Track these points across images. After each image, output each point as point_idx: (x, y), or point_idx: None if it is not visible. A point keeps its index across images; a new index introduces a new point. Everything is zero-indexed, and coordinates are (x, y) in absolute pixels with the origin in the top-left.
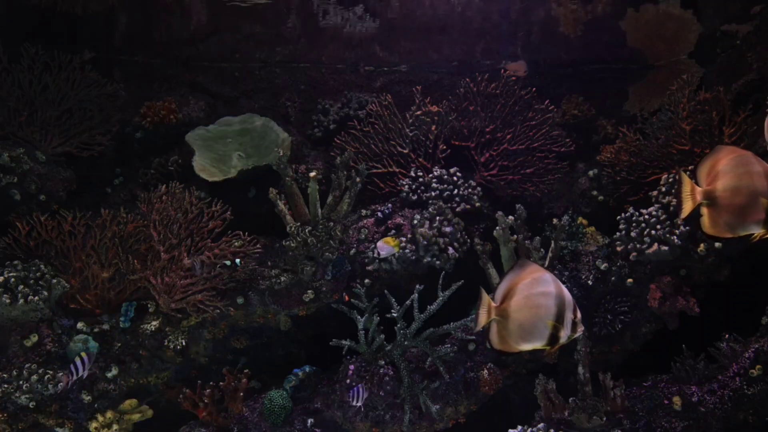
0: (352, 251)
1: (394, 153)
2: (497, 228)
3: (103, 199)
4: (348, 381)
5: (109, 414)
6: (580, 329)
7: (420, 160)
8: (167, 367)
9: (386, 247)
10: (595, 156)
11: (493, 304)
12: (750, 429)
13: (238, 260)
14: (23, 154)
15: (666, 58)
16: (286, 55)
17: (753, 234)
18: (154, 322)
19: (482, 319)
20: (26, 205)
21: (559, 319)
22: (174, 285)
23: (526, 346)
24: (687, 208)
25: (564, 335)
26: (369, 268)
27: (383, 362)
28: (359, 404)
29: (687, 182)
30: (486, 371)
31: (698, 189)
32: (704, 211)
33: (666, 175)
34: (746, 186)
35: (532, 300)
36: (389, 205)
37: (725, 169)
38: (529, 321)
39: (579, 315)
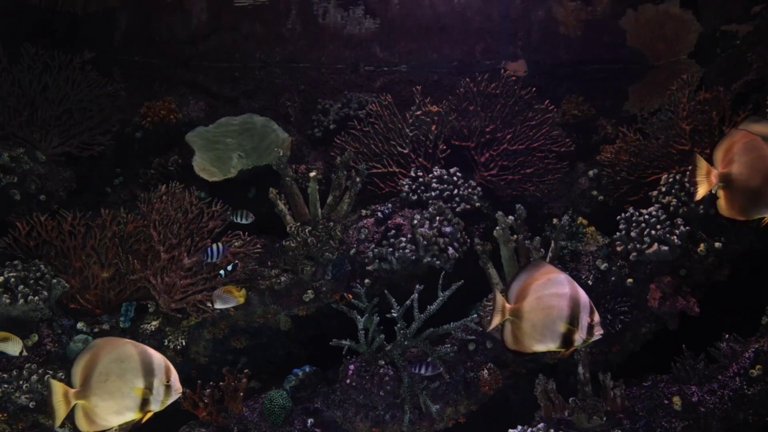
0: (352, 251)
1: (394, 153)
2: (497, 228)
3: (103, 199)
4: (348, 381)
5: None
6: (598, 333)
7: (420, 160)
8: None
9: (227, 297)
10: (595, 156)
11: (507, 305)
12: (750, 429)
13: (230, 267)
14: (23, 154)
15: (666, 58)
16: (286, 55)
17: (765, 217)
18: (154, 322)
19: (496, 319)
20: (26, 205)
21: (573, 321)
22: (174, 285)
23: (540, 348)
24: (702, 190)
25: (579, 338)
26: (369, 268)
27: (383, 362)
28: (429, 373)
29: (703, 165)
30: (486, 371)
31: (714, 172)
32: (721, 193)
33: (666, 175)
34: (760, 170)
35: (544, 301)
36: (389, 205)
37: (740, 153)
38: (541, 322)
39: (597, 318)
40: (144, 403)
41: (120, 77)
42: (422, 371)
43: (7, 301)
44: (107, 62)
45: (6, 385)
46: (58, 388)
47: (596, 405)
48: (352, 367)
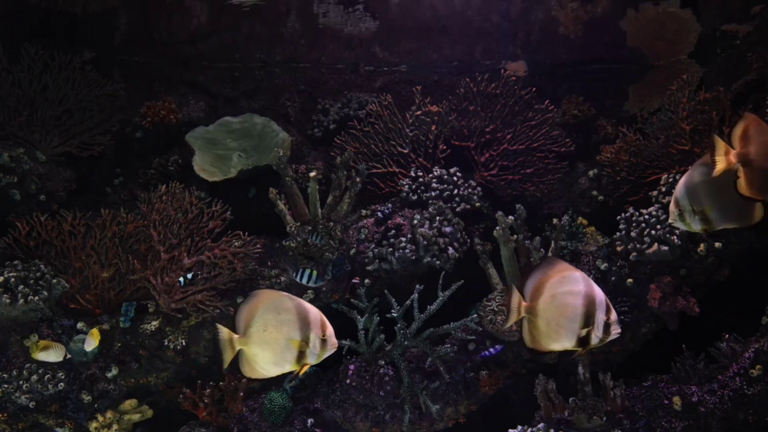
0: (352, 251)
1: (394, 153)
2: (497, 228)
3: (103, 199)
4: (348, 381)
5: (109, 414)
6: (615, 331)
7: (420, 160)
8: (167, 367)
9: (90, 340)
10: (595, 156)
11: (523, 303)
12: (750, 429)
13: (189, 275)
14: (23, 154)
15: (666, 58)
16: (286, 55)
17: None
18: (154, 322)
19: (512, 317)
20: (26, 205)
21: (589, 319)
22: (174, 285)
23: (557, 346)
24: (721, 166)
25: (595, 337)
26: (369, 268)
27: (383, 362)
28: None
29: (722, 145)
30: (486, 371)
31: (733, 152)
32: (740, 173)
33: (666, 175)
34: None
35: (558, 299)
36: (389, 205)
37: (755, 134)
38: (556, 321)
39: (614, 316)
40: (300, 356)
41: (120, 77)
42: (492, 352)
43: (7, 301)
44: (107, 62)
45: (6, 385)
46: (224, 332)
47: (596, 405)
48: (352, 367)
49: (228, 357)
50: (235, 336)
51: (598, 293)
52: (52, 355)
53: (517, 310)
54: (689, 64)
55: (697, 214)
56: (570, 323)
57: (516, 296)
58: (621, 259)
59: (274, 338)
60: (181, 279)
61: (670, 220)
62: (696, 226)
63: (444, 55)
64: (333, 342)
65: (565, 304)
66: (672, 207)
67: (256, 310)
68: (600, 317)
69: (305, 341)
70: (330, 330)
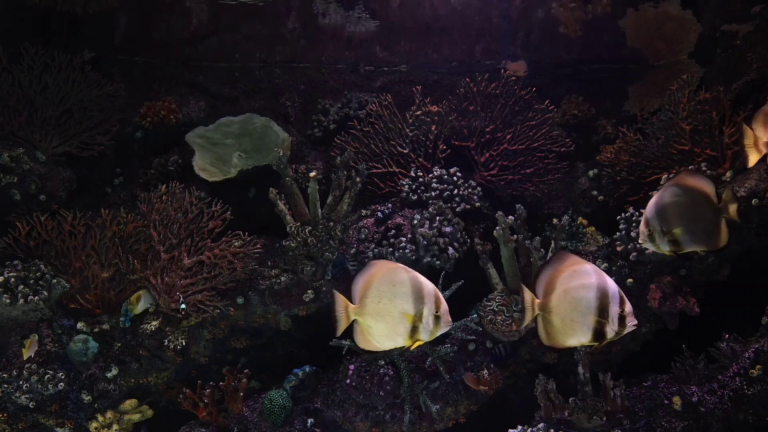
0: (352, 251)
1: (394, 153)
2: (497, 228)
3: (103, 199)
4: (348, 381)
5: (109, 414)
6: (631, 324)
7: (420, 160)
8: (167, 367)
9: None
10: (595, 156)
11: (536, 300)
12: (750, 429)
13: (183, 305)
14: (23, 154)
15: (666, 58)
16: (286, 55)
17: None
18: (154, 322)
19: (527, 316)
20: (26, 205)
21: (603, 313)
22: (174, 285)
23: (573, 342)
24: (753, 158)
25: (611, 330)
26: None
27: (383, 362)
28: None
29: (750, 134)
30: (486, 371)
31: (762, 140)
32: None
33: (666, 175)
34: None
35: (571, 294)
36: (389, 205)
37: None
38: (570, 316)
39: (628, 308)
40: (413, 331)
41: (120, 77)
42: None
43: (7, 301)
44: (107, 62)
45: (6, 385)
46: (340, 300)
47: (596, 405)
48: (352, 367)
49: (342, 326)
50: (351, 305)
51: (611, 285)
52: (145, 300)
53: (531, 308)
54: (689, 64)
55: (666, 236)
56: (584, 317)
57: (528, 294)
58: (621, 259)
59: (388, 310)
60: (183, 305)
61: (639, 241)
62: (665, 248)
63: (444, 55)
64: (447, 320)
65: (578, 298)
66: (642, 227)
67: (372, 281)
68: (614, 310)
69: (418, 316)
70: (444, 307)
